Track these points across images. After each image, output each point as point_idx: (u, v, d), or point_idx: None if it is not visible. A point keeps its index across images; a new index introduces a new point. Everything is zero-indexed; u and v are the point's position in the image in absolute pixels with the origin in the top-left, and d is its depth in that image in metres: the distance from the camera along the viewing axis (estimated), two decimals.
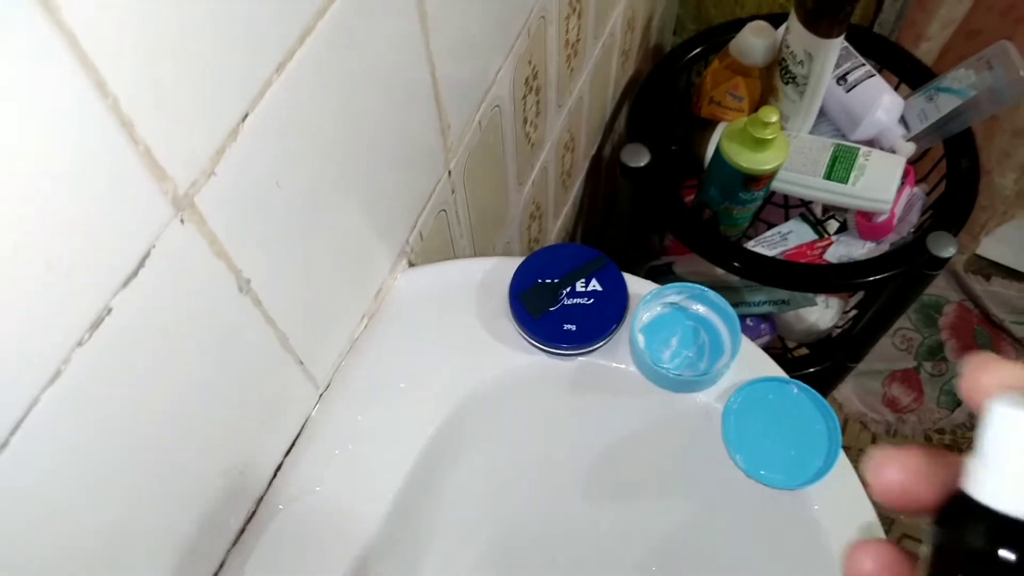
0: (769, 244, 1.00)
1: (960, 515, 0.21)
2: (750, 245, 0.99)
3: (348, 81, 0.41)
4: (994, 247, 1.53)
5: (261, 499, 0.49)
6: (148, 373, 0.35)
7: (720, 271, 0.95)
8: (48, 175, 0.26)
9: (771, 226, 1.02)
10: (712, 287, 0.52)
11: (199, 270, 0.36)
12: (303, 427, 0.51)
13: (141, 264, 0.32)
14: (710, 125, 0.98)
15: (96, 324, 0.31)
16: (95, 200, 0.29)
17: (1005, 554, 0.20)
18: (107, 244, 0.30)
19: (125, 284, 0.32)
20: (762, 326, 1.14)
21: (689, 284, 0.52)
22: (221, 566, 0.47)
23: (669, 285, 0.52)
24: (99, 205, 0.29)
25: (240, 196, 0.36)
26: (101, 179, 0.29)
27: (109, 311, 0.31)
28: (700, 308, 0.52)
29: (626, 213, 1.05)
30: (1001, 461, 0.21)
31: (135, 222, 0.31)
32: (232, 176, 0.35)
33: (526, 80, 0.67)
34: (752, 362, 0.51)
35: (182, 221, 0.33)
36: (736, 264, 0.92)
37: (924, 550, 0.22)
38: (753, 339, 0.53)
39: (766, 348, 0.52)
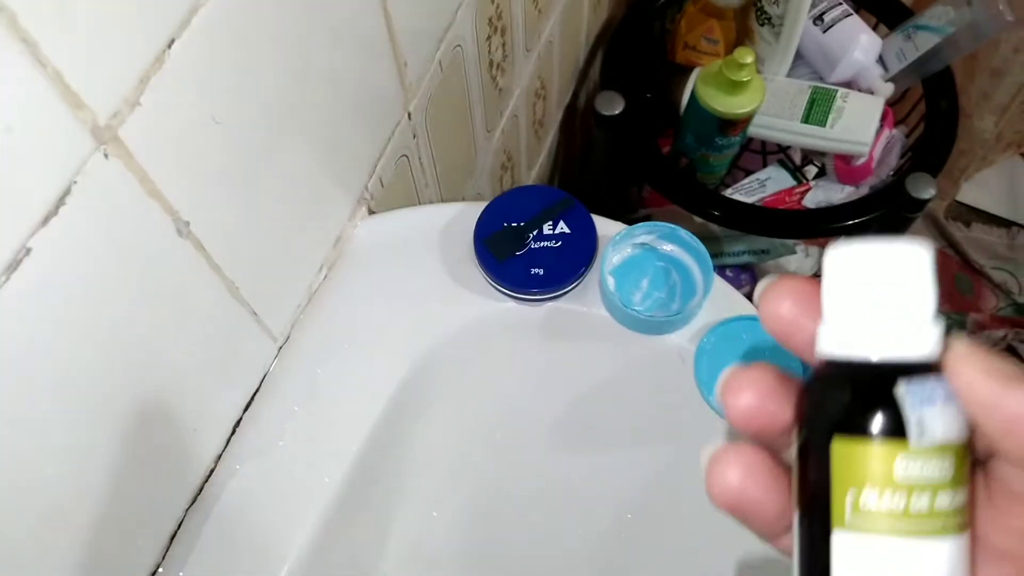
0: (747, 191, 0.98)
1: (811, 377, 0.22)
2: (728, 193, 0.98)
3: (290, 12, 0.39)
4: (973, 193, 1.52)
5: (219, 457, 0.47)
6: (81, 320, 0.33)
7: (699, 220, 0.93)
8: None
9: (749, 173, 1.00)
10: None
11: (129, 209, 0.33)
12: (261, 382, 0.49)
13: (61, 201, 0.30)
14: (686, 71, 0.96)
15: (13, 266, 0.29)
16: (1, 128, 0.26)
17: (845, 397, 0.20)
18: (17, 177, 0.28)
19: (44, 222, 0.29)
20: (742, 276, 1.13)
21: (659, 223, 0.50)
22: (179, 525, 0.45)
23: (639, 225, 0.50)
24: (4, 134, 0.26)
25: (172, 131, 0.34)
26: (5, 104, 0.26)
27: (28, 251, 0.29)
28: (671, 248, 0.51)
29: (602, 163, 1.03)
30: (833, 306, 0.21)
31: (50, 154, 0.29)
32: (160, 108, 0.32)
33: (489, 20, 0.64)
34: (725, 301, 0.50)
35: (106, 155, 0.31)
36: (714, 212, 0.90)
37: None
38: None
39: (747, 298, 0.50)
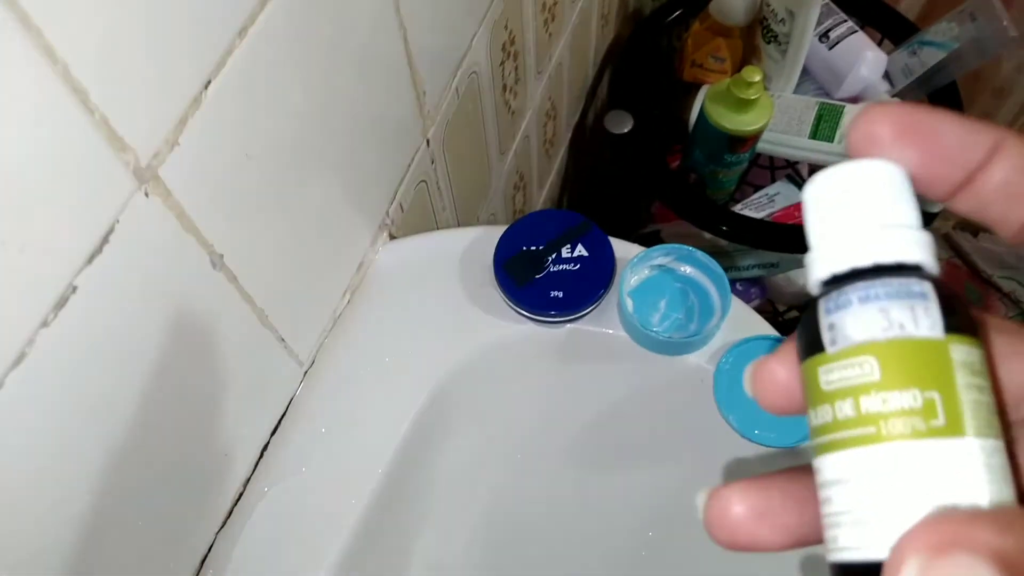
0: (756, 207, 0.99)
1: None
2: (737, 208, 0.98)
3: (316, 47, 0.40)
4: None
5: (248, 480, 0.48)
6: (120, 353, 0.34)
7: (708, 236, 0.94)
8: None
9: (758, 188, 1.01)
10: None
11: (167, 245, 0.34)
12: (288, 406, 0.50)
13: (105, 240, 0.31)
14: (693, 88, 0.97)
15: (61, 303, 0.30)
16: (50, 172, 0.27)
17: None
18: (66, 219, 0.29)
19: (89, 261, 0.30)
20: (752, 290, 1.13)
21: (676, 245, 0.51)
22: (210, 549, 0.46)
23: (656, 247, 0.51)
24: (54, 178, 0.28)
25: (207, 168, 0.35)
26: (55, 150, 0.27)
27: (74, 289, 0.30)
28: (688, 269, 0.51)
29: (611, 181, 1.04)
30: (812, 236, 0.20)
31: (96, 195, 0.30)
32: (197, 147, 0.34)
33: (503, 46, 0.65)
34: (742, 321, 0.50)
35: (146, 194, 0.32)
36: (724, 228, 0.91)
37: None
38: (747, 305, 0.52)
39: (756, 312, 0.51)
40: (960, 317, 0.18)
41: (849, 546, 0.18)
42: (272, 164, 0.40)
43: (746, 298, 1.13)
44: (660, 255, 0.51)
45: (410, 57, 0.49)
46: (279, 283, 0.44)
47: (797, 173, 1.01)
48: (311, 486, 0.48)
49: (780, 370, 0.20)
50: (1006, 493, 0.17)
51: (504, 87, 0.69)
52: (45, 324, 0.29)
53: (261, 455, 0.48)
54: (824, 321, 0.19)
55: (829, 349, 0.19)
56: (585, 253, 0.51)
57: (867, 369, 0.18)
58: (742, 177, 1.00)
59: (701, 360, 0.50)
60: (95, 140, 0.29)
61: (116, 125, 0.29)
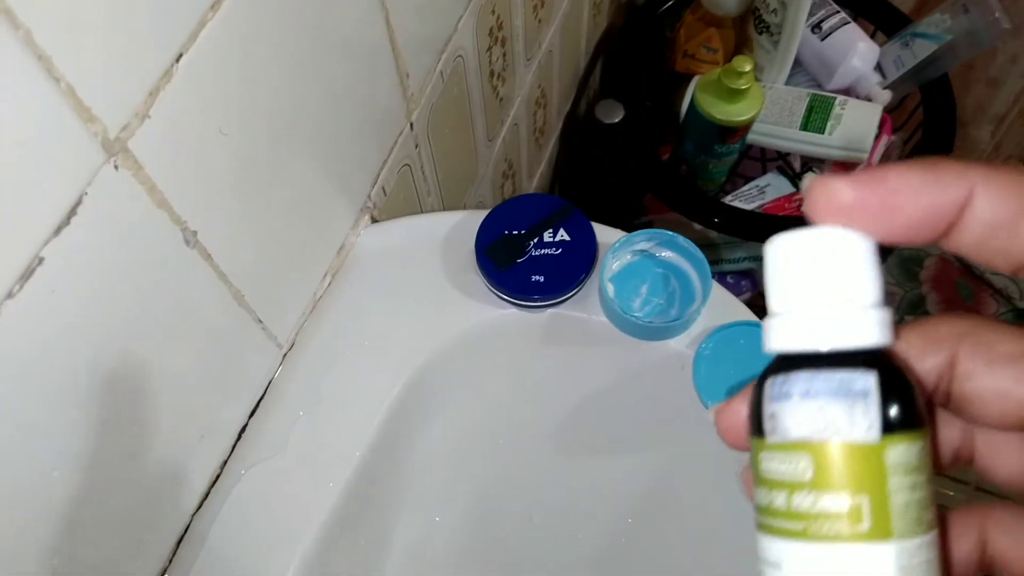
0: (747, 198, 0.99)
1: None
2: (728, 200, 0.98)
3: (293, 24, 0.40)
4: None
5: (225, 463, 0.47)
6: (90, 329, 0.34)
7: (699, 227, 0.94)
8: None
9: (748, 180, 1.01)
10: None
11: (139, 220, 0.34)
12: (267, 389, 0.49)
13: (73, 212, 0.30)
14: (685, 79, 0.97)
15: (27, 275, 0.29)
16: (13, 140, 0.27)
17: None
18: (31, 188, 0.28)
19: (56, 232, 0.30)
20: (743, 283, 1.13)
21: (658, 231, 0.50)
22: (186, 530, 0.46)
23: (638, 232, 0.51)
24: (18, 146, 0.27)
25: (179, 143, 0.35)
26: (18, 117, 0.27)
27: (40, 261, 0.30)
28: (670, 254, 0.51)
29: (602, 171, 1.04)
30: (770, 300, 0.20)
31: (62, 166, 0.29)
32: (168, 120, 0.33)
33: (490, 30, 0.65)
34: (723, 307, 0.50)
35: (116, 167, 0.32)
36: (714, 219, 0.91)
37: None
38: (729, 292, 0.52)
39: (747, 305, 0.51)
40: (903, 411, 0.18)
41: None
42: (248, 142, 0.39)
43: (736, 291, 1.13)
44: (642, 240, 0.51)
45: (392, 38, 0.49)
46: (257, 263, 0.44)
47: (788, 165, 1.01)
48: (289, 469, 0.48)
49: (741, 411, 0.21)
50: None
51: (492, 73, 0.69)
52: (10, 295, 0.29)
53: (239, 437, 0.48)
54: (767, 408, 0.19)
55: (769, 438, 0.19)
56: (567, 238, 0.51)
57: (801, 467, 0.18)
58: (733, 168, 1.00)
59: (681, 345, 0.50)
60: (61, 109, 0.28)
61: (83, 95, 0.29)
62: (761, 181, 0.99)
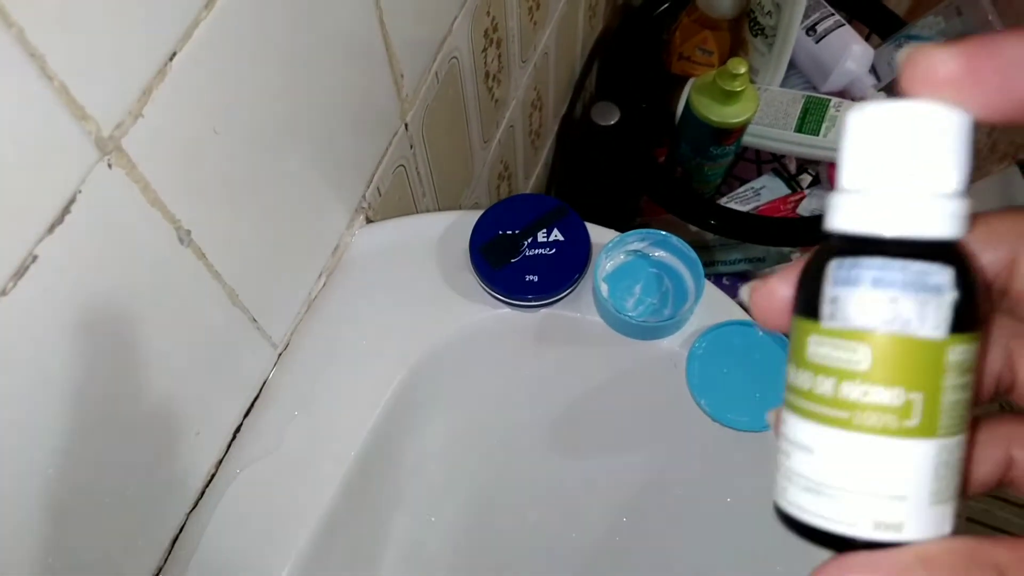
0: (742, 200, 0.99)
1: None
2: (723, 202, 0.99)
3: (287, 24, 0.40)
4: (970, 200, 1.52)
5: (220, 462, 0.48)
6: (84, 327, 0.34)
7: (694, 229, 0.94)
8: None
9: (744, 182, 1.01)
10: None
11: (132, 218, 0.34)
12: (261, 388, 0.50)
13: (66, 209, 0.31)
14: (680, 81, 0.97)
15: (20, 272, 0.30)
16: (7, 137, 0.27)
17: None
18: (25, 185, 0.29)
19: (50, 230, 0.30)
20: (739, 285, 1.13)
21: (651, 231, 0.51)
22: (181, 529, 0.46)
23: (631, 232, 0.51)
24: (12, 143, 0.27)
25: (173, 141, 0.35)
26: (12, 115, 0.27)
27: (34, 259, 0.30)
28: (663, 254, 0.52)
29: (598, 173, 1.04)
30: (844, 177, 0.19)
31: (56, 164, 0.30)
32: (163, 119, 0.33)
33: (485, 32, 0.65)
34: (716, 306, 0.50)
35: (109, 165, 0.32)
36: (710, 221, 0.91)
37: None
38: (721, 291, 0.52)
39: (744, 307, 0.51)
40: (970, 311, 0.18)
41: (799, 505, 0.19)
42: (242, 141, 0.40)
43: (732, 293, 1.13)
44: (635, 240, 0.51)
45: (387, 39, 0.49)
46: (251, 263, 0.44)
47: (783, 167, 1.01)
48: (284, 468, 0.48)
49: (781, 289, 0.20)
50: (950, 490, 0.18)
51: (487, 74, 0.69)
52: (4, 293, 0.29)
53: (234, 437, 0.48)
54: (828, 291, 0.18)
55: (826, 323, 0.18)
56: (561, 238, 0.51)
57: (858, 356, 0.18)
58: (728, 170, 1.00)
59: (675, 344, 0.50)
60: (55, 107, 0.28)
61: (76, 93, 0.29)
62: (756, 183, 1.00)
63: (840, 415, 0.18)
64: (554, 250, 0.51)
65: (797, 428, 0.19)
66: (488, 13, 0.64)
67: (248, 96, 0.39)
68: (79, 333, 0.34)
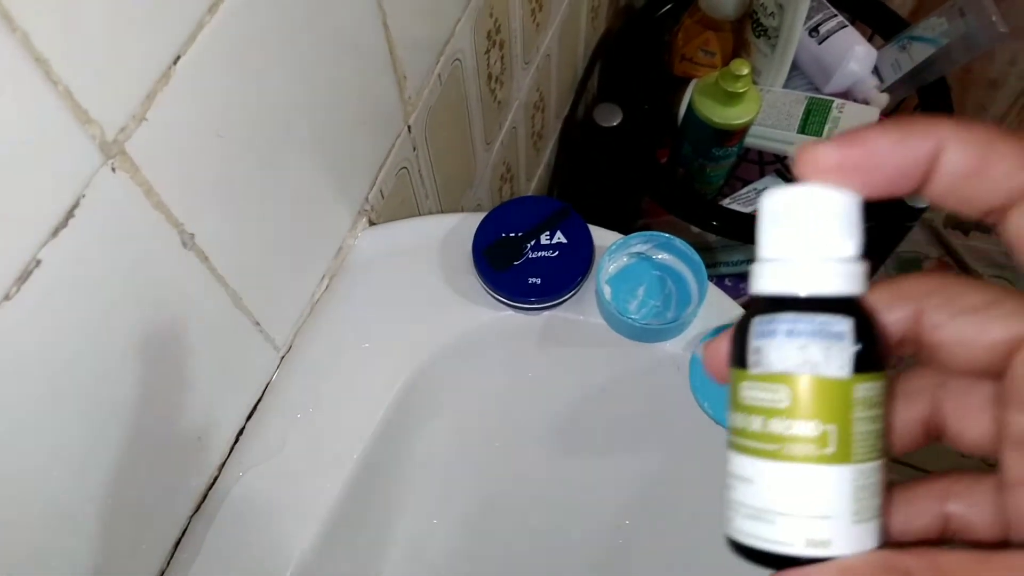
0: (745, 201, 0.99)
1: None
2: (726, 203, 0.99)
3: (291, 27, 0.40)
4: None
5: (223, 465, 0.48)
6: (87, 331, 0.34)
7: (696, 230, 0.94)
8: None
9: (746, 183, 1.01)
10: None
11: (136, 222, 0.34)
12: (264, 391, 0.50)
13: (70, 214, 0.31)
14: (683, 83, 0.97)
15: (23, 277, 0.30)
16: (11, 142, 0.27)
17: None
18: (29, 190, 0.28)
19: (54, 234, 0.30)
20: (741, 286, 1.13)
21: (655, 233, 0.51)
22: (184, 532, 0.46)
23: (634, 235, 0.51)
24: (16, 147, 0.27)
25: (177, 145, 0.35)
26: (16, 119, 0.27)
27: (38, 263, 0.30)
28: (666, 257, 0.51)
29: (600, 175, 1.04)
30: (761, 247, 0.22)
31: (60, 168, 0.30)
32: (166, 123, 0.33)
33: (488, 34, 0.65)
34: (719, 309, 0.50)
35: (113, 169, 0.32)
36: (712, 222, 0.91)
37: None
38: (725, 293, 0.52)
39: (744, 308, 0.51)
40: (870, 354, 0.21)
41: (743, 531, 0.22)
42: (245, 144, 0.40)
43: (734, 294, 1.13)
44: (638, 242, 0.51)
45: (390, 40, 0.49)
46: (254, 266, 0.44)
47: (786, 168, 1.01)
48: (287, 471, 0.48)
49: (725, 347, 0.23)
50: (870, 510, 0.21)
51: (489, 76, 0.69)
52: (7, 297, 0.29)
53: (236, 440, 0.48)
54: (752, 343, 0.21)
55: (752, 369, 0.21)
56: (564, 240, 0.51)
57: (780, 396, 0.21)
58: (730, 172, 1.00)
59: (678, 347, 0.50)
60: (59, 112, 0.28)
61: (81, 97, 0.29)
62: (759, 184, 1.00)
63: (770, 448, 0.21)
64: (557, 252, 0.51)
65: (737, 463, 0.22)
66: (491, 15, 0.64)
67: (251, 99, 0.39)
68: (81, 337, 0.34)
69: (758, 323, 0.21)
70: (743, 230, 0.91)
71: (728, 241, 1.04)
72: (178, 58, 0.33)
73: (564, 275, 0.50)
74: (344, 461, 0.48)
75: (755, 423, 0.21)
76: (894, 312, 0.22)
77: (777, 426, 0.21)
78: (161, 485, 0.43)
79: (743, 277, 1.12)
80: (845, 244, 0.21)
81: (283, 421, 0.49)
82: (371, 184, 0.54)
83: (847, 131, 0.20)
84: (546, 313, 0.52)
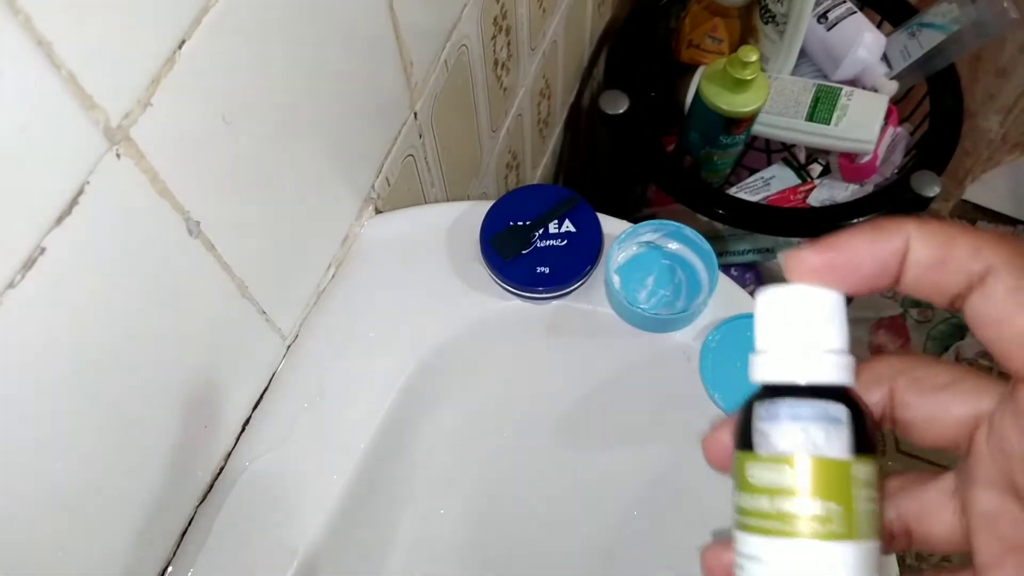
0: (752, 190, 0.98)
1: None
2: (733, 191, 0.98)
3: (297, 12, 0.39)
4: (979, 192, 1.52)
5: (229, 454, 0.47)
6: (92, 319, 0.33)
7: (703, 219, 0.93)
8: None
9: (753, 171, 1.00)
10: None
11: (141, 209, 0.34)
12: (271, 380, 0.49)
13: (75, 201, 0.30)
14: (690, 70, 0.96)
15: (28, 264, 0.29)
16: (15, 128, 0.27)
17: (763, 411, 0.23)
18: (33, 177, 0.28)
19: (58, 222, 0.30)
20: (747, 275, 1.13)
21: (664, 221, 0.50)
22: (190, 522, 0.46)
23: (644, 223, 0.50)
24: (20, 133, 0.27)
25: (182, 131, 0.34)
26: (20, 104, 0.26)
27: (42, 251, 0.29)
28: (676, 246, 0.51)
29: (606, 162, 1.03)
30: (759, 339, 0.24)
31: (64, 154, 0.29)
32: (171, 108, 0.33)
33: (495, 19, 0.64)
34: (730, 299, 0.50)
35: (118, 155, 0.31)
36: (719, 211, 0.90)
37: None
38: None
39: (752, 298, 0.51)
40: (866, 437, 0.22)
41: None
42: (251, 131, 0.39)
43: (740, 283, 1.12)
44: (648, 231, 0.50)
45: (396, 26, 0.49)
46: (260, 254, 0.44)
47: (793, 156, 1.00)
48: (293, 461, 0.47)
49: (725, 436, 0.24)
50: None
51: (496, 62, 0.68)
52: (12, 285, 0.29)
53: (243, 429, 0.48)
54: (757, 425, 0.23)
55: (758, 451, 0.22)
56: (573, 229, 0.51)
57: (786, 476, 0.22)
58: (738, 160, 1.00)
59: (688, 337, 0.49)
60: (62, 96, 0.28)
61: (84, 82, 0.28)
62: (766, 172, 0.99)
63: (776, 526, 0.22)
64: (566, 241, 0.50)
65: (746, 542, 0.23)
66: (498, 1, 0.63)
67: (257, 84, 0.38)
68: (86, 325, 0.33)
69: (762, 408, 0.23)
70: (750, 218, 0.90)
71: (735, 230, 1.03)
72: (183, 42, 0.32)
73: (573, 264, 0.50)
74: (351, 450, 0.48)
75: (763, 503, 0.22)
76: (871, 394, 0.24)
77: (784, 504, 0.22)
78: (167, 475, 0.43)
79: (750, 266, 1.12)
80: (837, 337, 0.23)
81: (290, 410, 0.48)
82: (377, 172, 0.53)
83: (826, 237, 0.22)
84: (555, 303, 0.51)
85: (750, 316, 0.48)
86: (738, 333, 0.48)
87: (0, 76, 0.25)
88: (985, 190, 1.51)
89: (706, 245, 0.49)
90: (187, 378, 0.41)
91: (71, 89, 0.28)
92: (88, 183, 0.30)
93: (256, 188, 0.41)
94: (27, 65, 0.26)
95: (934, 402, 0.23)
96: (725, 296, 0.49)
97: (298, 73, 0.41)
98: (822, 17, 0.94)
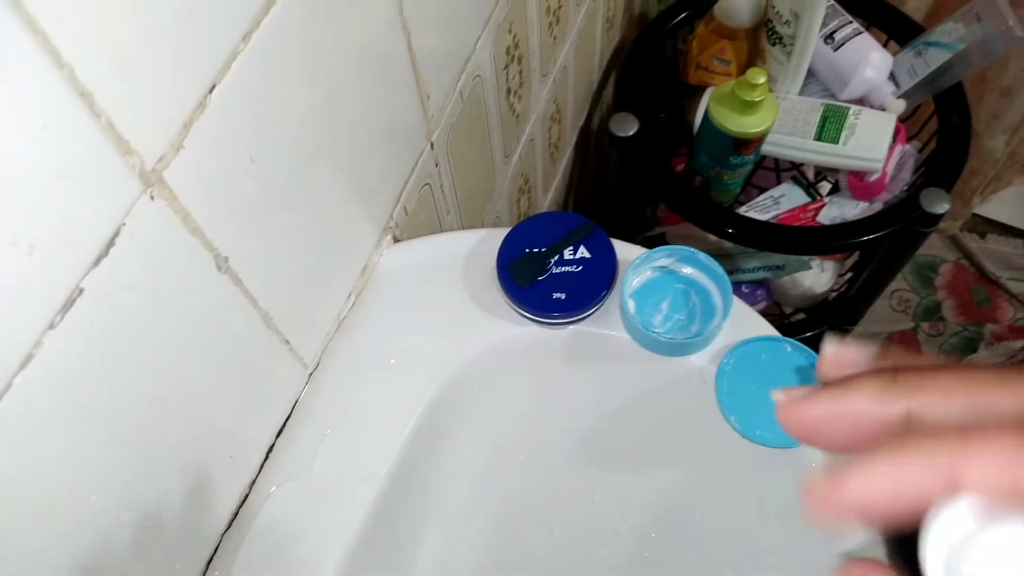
0: (761, 208, 0.99)
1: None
2: (742, 210, 0.99)
3: (319, 52, 0.40)
4: (988, 205, 1.52)
5: (253, 482, 0.48)
6: (126, 355, 0.34)
7: (713, 238, 0.94)
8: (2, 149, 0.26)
9: (763, 190, 1.01)
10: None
11: (173, 248, 0.35)
12: (293, 408, 0.50)
13: (111, 242, 0.31)
14: (698, 91, 0.97)
15: (67, 305, 0.30)
16: (57, 174, 0.28)
17: None
18: (73, 221, 0.29)
19: (96, 263, 0.31)
20: (758, 292, 1.13)
21: (678, 247, 0.51)
22: (215, 551, 0.46)
23: (658, 249, 0.51)
24: (62, 180, 0.28)
25: (212, 171, 0.36)
26: (62, 152, 0.28)
27: (80, 291, 0.30)
28: (690, 270, 0.52)
29: (616, 184, 1.04)
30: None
31: (102, 198, 0.30)
32: (202, 150, 0.34)
33: (507, 49, 0.66)
34: (744, 322, 0.51)
35: (152, 197, 0.32)
36: (729, 230, 0.91)
37: None
38: (749, 306, 0.52)
39: (762, 314, 0.51)
40: None
41: None
42: (276, 167, 0.40)
43: (751, 300, 1.13)
44: (662, 256, 0.51)
45: (414, 60, 0.50)
46: (284, 285, 0.45)
47: (802, 175, 1.01)
48: (316, 487, 0.48)
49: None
50: None
51: (508, 90, 0.70)
52: (52, 326, 0.30)
53: (266, 457, 0.49)
54: None
55: None
56: (588, 255, 0.52)
57: None
58: (747, 179, 1.00)
59: (703, 361, 0.50)
60: (101, 143, 0.29)
61: (122, 129, 0.30)
62: (776, 191, 1.00)
63: None
64: (581, 267, 0.51)
65: None
66: (510, 31, 0.65)
67: (283, 124, 0.39)
68: (120, 362, 0.34)
69: None
70: (761, 237, 0.91)
71: (745, 248, 1.04)
72: (213, 87, 0.34)
73: (588, 290, 0.51)
74: (373, 476, 0.48)
75: None
76: None
77: None
78: (193, 503, 0.44)
79: (760, 284, 1.12)
80: None
81: (312, 438, 0.49)
82: (395, 201, 0.55)
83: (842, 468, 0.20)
84: (570, 328, 0.52)
85: (764, 339, 0.49)
86: (753, 356, 0.49)
87: (46, 129, 0.26)
88: (994, 202, 1.51)
89: (720, 269, 0.50)
90: (213, 407, 0.42)
91: (110, 136, 0.29)
92: (124, 224, 0.31)
93: (280, 222, 0.42)
94: (70, 116, 0.27)
95: None
96: (739, 320, 0.50)
97: (320, 110, 0.42)
98: (829, 38, 0.95)
